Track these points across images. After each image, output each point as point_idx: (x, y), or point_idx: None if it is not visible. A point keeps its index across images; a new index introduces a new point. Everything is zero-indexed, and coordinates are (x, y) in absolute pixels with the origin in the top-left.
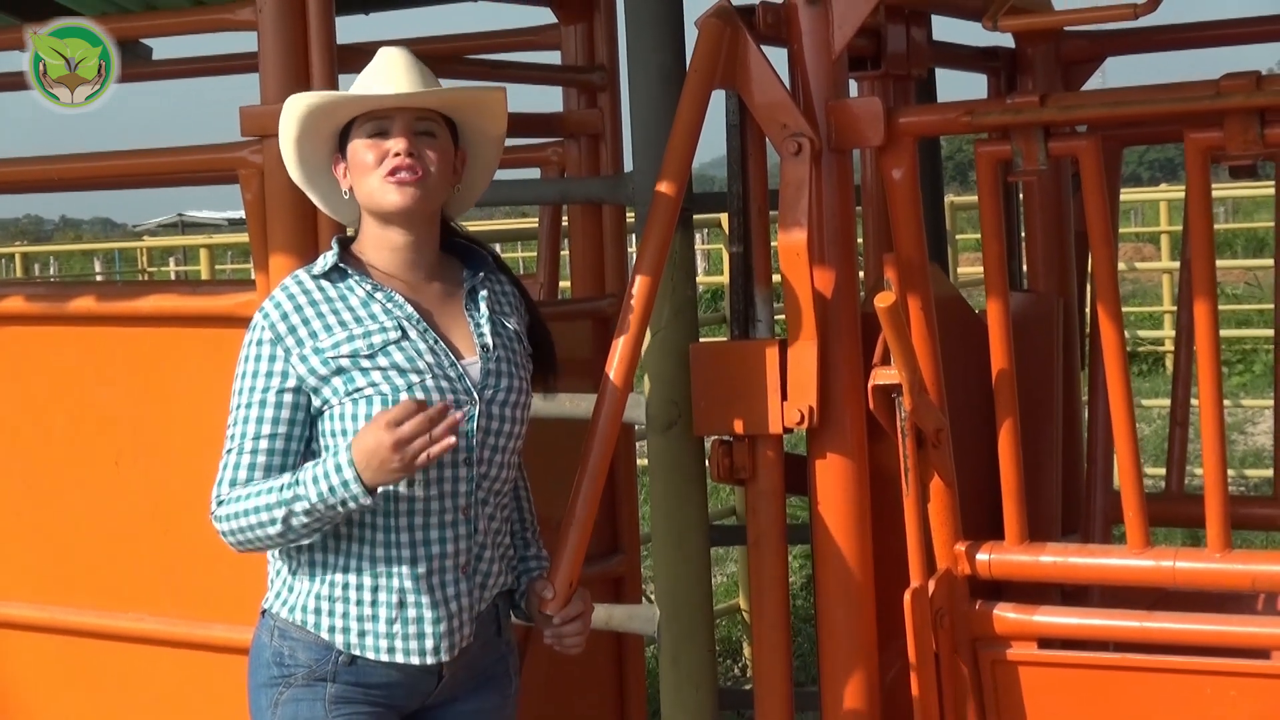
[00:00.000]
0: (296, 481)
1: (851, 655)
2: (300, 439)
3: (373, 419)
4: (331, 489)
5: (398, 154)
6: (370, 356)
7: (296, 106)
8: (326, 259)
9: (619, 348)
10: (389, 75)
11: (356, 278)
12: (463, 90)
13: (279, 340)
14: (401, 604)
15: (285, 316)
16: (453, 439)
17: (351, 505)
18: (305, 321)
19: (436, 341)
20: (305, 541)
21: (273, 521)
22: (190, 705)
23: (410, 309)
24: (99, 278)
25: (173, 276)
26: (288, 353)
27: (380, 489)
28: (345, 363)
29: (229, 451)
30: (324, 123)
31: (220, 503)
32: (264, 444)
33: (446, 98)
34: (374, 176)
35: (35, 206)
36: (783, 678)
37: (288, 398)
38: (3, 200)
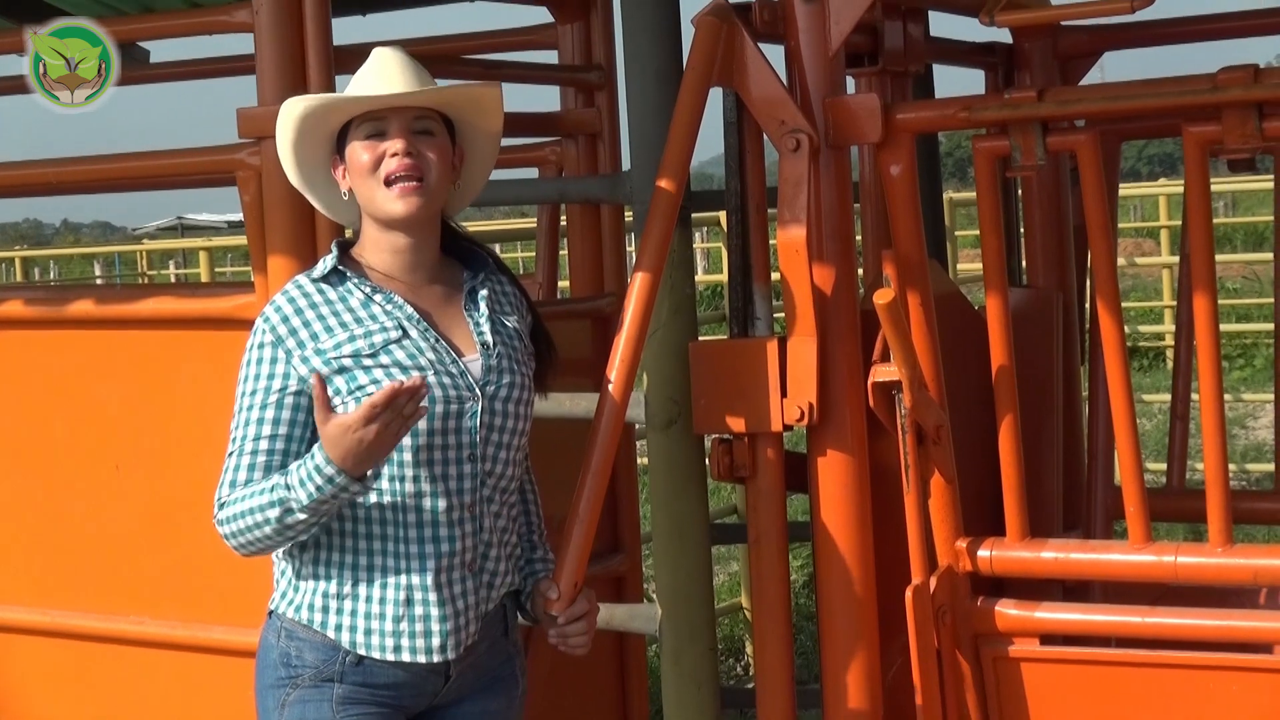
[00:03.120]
0: (286, 486)
1: (853, 653)
2: (302, 440)
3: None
4: (320, 488)
5: (395, 154)
6: (372, 355)
7: (293, 110)
8: (325, 263)
9: (620, 347)
10: (384, 75)
11: (355, 280)
12: (458, 88)
13: (280, 343)
14: (409, 601)
15: (286, 319)
16: (418, 376)
17: (345, 497)
18: (306, 324)
19: (437, 340)
20: (303, 538)
21: (267, 522)
22: (192, 708)
23: (410, 309)
24: (99, 281)
25: (172, 279)
26: (289, 355)
27: (377, 481)
28: (348, 362)
29: (231, 454)
30: (321, 125)
31: (221, 505)
32: (264, 444)
33: (442, 95)
34: (374, 181)
35: (36, 210)
36: (785, 676)
37: (290, 399)
38: (3, 204)
